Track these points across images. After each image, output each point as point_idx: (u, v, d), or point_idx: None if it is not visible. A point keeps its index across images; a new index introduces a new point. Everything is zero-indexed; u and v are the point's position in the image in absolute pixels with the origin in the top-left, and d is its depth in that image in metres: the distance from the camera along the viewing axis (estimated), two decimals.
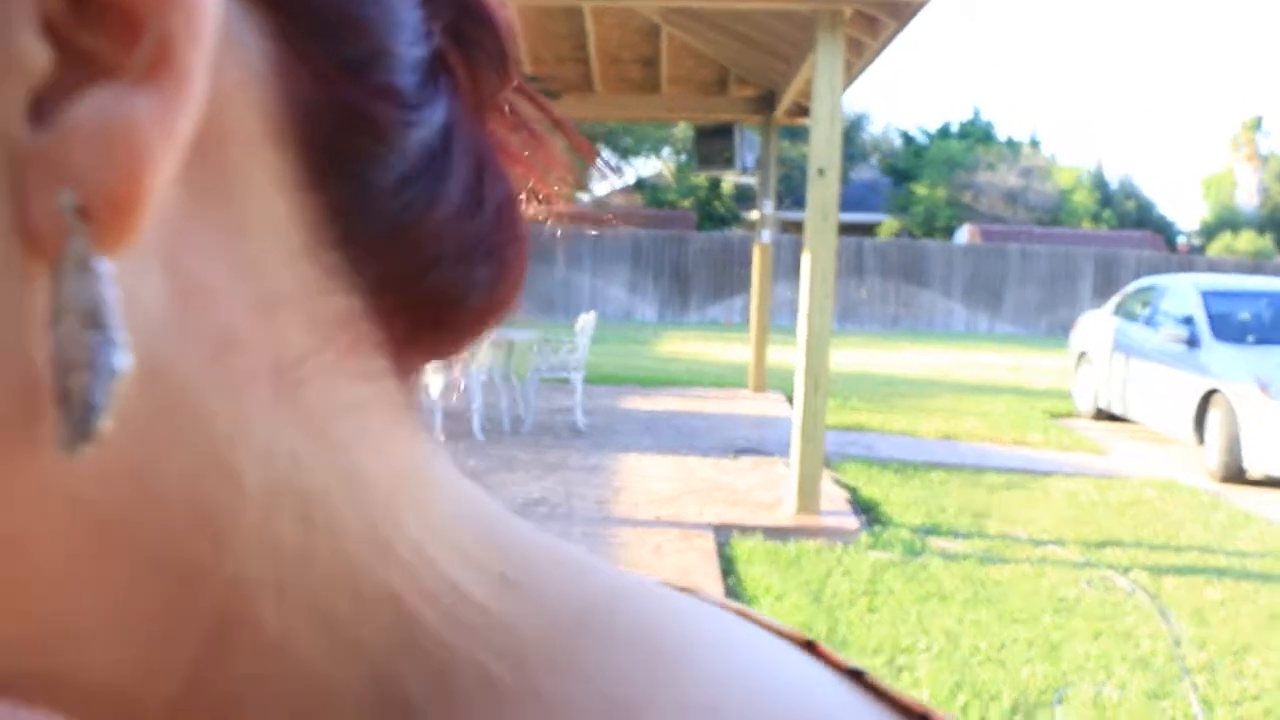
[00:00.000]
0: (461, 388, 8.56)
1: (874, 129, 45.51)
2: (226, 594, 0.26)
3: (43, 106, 0.22)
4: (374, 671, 0.28)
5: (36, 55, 0.22)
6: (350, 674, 0.27)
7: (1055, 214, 38.81)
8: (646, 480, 7.33)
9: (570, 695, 0.28)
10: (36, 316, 0.23)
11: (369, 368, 0.29)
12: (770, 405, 11.05)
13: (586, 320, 9.60)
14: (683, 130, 32.94)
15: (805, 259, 6.37)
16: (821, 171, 6.43)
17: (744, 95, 12.04)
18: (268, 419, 0.26)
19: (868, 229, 37.15)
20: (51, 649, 0.25)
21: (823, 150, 6.42)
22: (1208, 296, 10.26)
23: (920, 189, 37.15)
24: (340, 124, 0.27)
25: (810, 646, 0.33)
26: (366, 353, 0.29)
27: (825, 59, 6.52)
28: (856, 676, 0.32)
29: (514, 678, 0.28)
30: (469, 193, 0.30)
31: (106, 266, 0.22)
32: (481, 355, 8.50)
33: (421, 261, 0.30)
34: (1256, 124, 59.50)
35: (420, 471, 0.30)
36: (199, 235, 0.25)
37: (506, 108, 0.33)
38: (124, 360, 0.22)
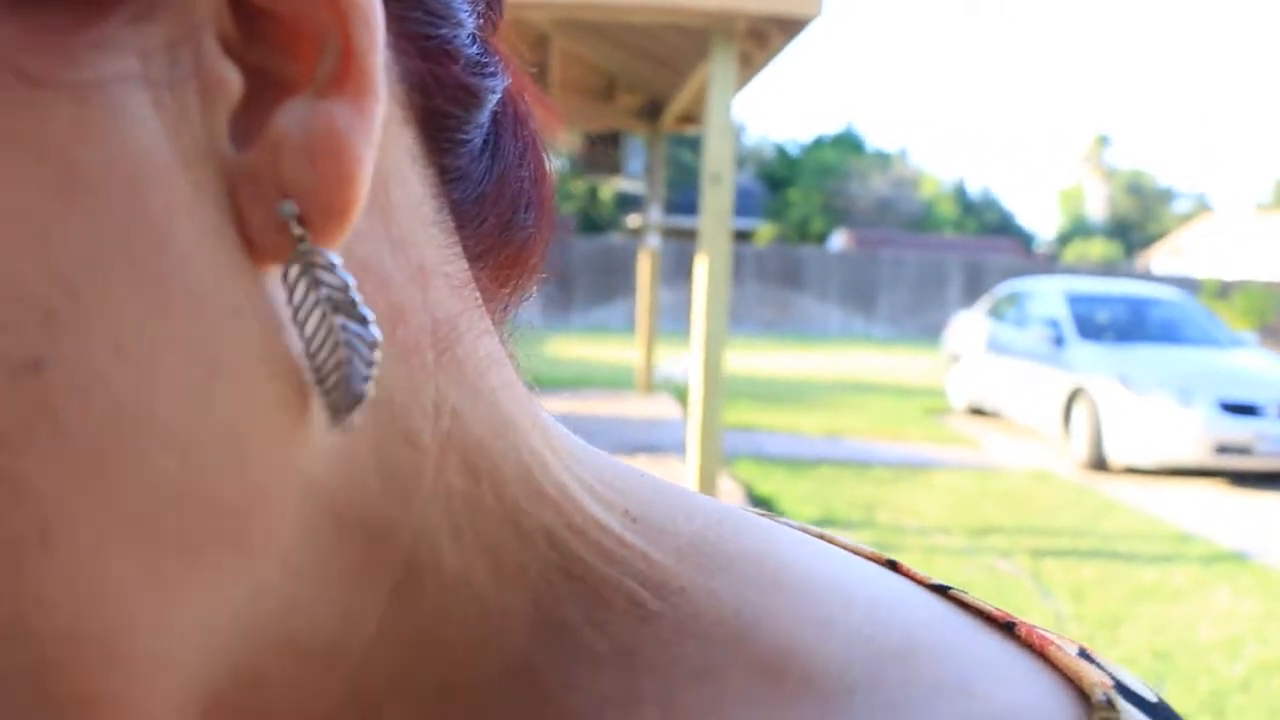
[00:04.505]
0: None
1: (748, 139, 46.34)
2: (413, 544, 0.29)
3: (240, 126, 0.25)
4: (536, 597, 0.31)
5: (231, 78, 0.24)
6: (517, 601, 0.31)
7: (922, 222, 40.08)
8: None
9: (697, 616, 0.31)
10: (279, 313, 0.25)
11: (490, 322, 0.32)
12: (660, 406, 11.25)
13: None
14: (563, 137, 32.96)
15: (701, 262, 6.57)
16: (716, 178, 6.63)
17: (631, 103, 12.23)
18: (433, 381, 0.29)
19: (745, 235, 37.82)
20: (280, 615, 0.28)
21: (717, 158, 6.62)
22: (1072, 299, 10.81)
23: (795, 196, 37.96)
24: (442, 96, 0.29)
25: (893, 565, 0.37)
26: (486, 308, 0.32)
27: (719, 70, 6.72)
28: (942, 591, 0.35)
29: (654, 600, 0.31)
30: (517, 143, 0.33)
31: (334, 259, 0.25)
32: None
33: (504, 214, 0.33)
34: (1103, 141, 62.47)
35: (543, 418, 0.34)
36: (362, 221, 0.27)
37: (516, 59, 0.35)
38: (374, 333, 0.25)
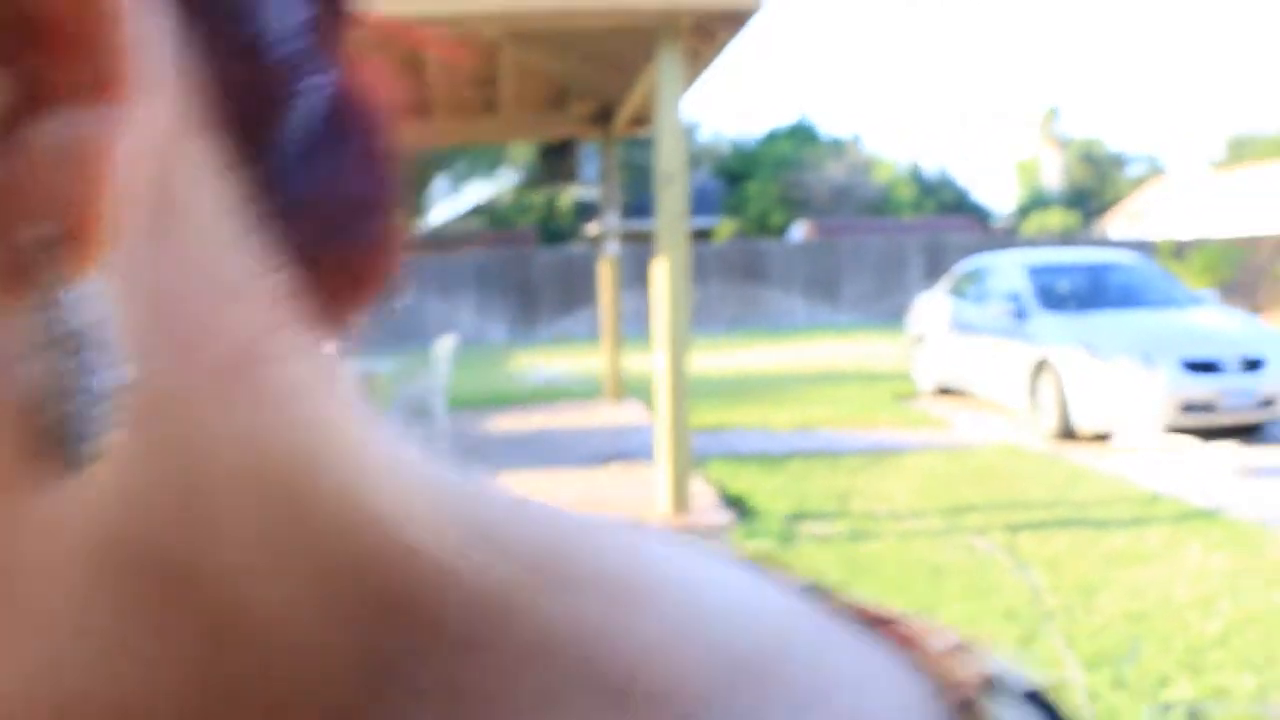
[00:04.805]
0: None
1: (703, 136, 46.46)
2: (219, 585, 0.27)
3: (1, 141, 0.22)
4: (358, 633, 0.29)
5: None
6: (338, 638, 0.29)
7: (880, 207, 40.29)
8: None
9: (541, 640, 0.30)
10: (16, 350, 0.23)
11: (310, 341, 0.30)
12: (629, 413, 11.26)
13: (445, 345, 9.64)
14: (518, 149, 33.02)
15: (660, 264, 6.59)
16: (669, 178, 6.65)
17: (582, 110, 12.24)
18: (238, 407, 0.27)
19: (705, 234, 37.92)
20: (60, 676, 0.25)
21: (669, 157, 6.64)
22: (1032, 271, 10.89)
23: (753, 190, 38.10)
24: (250, 101, 0.27)
25: (770, 566, 0.36)
26: (305, 326, 0.29)
27: (666, 70, 6.75)
28: (813, 591, 0.34)
29: (489, 627, 0.30)
30: (347, 145, 0.31)
31: (81, 290, 0.22)
32: None
33: (331, 222, 0.30)
34: (1054, 113, 63.07)
35: (375, 438, 0.31)
36: (149, 238, 0.25)
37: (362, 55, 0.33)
38: (116, 377, 0.23)
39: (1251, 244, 25.12)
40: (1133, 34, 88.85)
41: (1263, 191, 39.41)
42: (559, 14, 6.65)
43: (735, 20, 6.91)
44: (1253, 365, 9.07)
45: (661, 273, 6.59)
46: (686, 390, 6.65)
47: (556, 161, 12.25)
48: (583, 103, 12.28)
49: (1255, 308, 24.47)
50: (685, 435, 6.62)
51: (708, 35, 7.59)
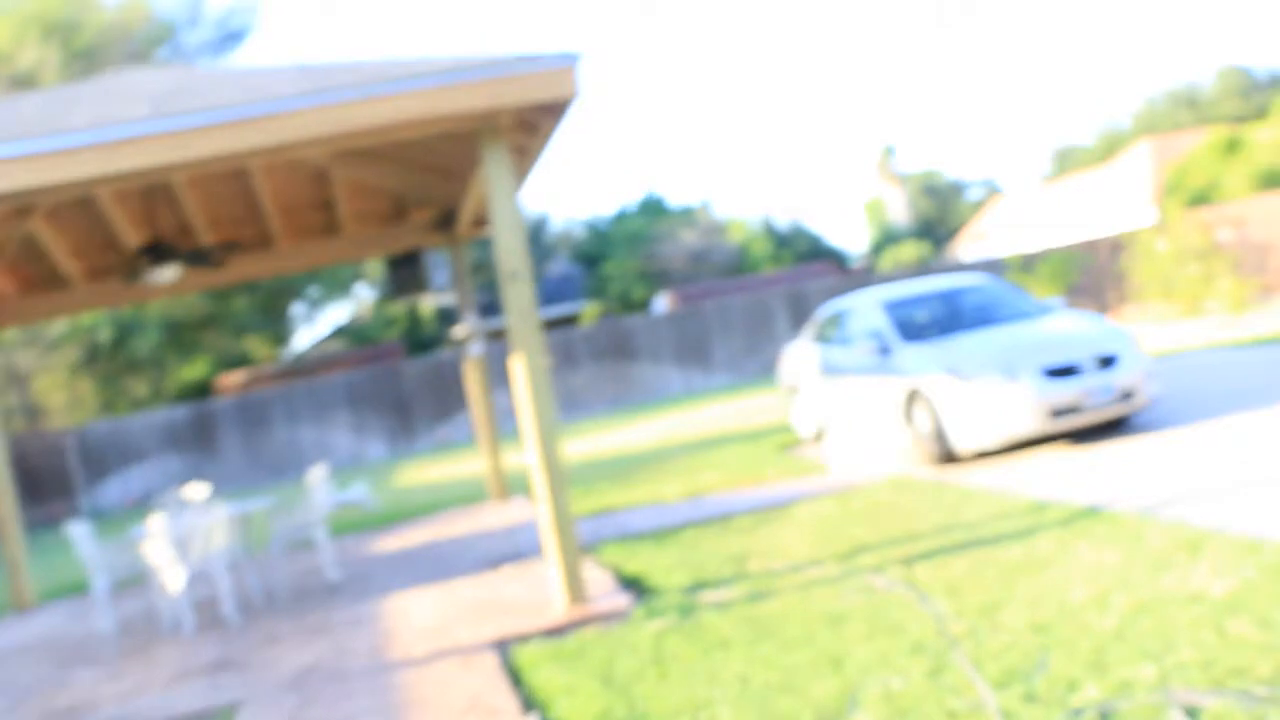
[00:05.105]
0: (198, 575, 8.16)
1: (556, 225, 46.81)
2: None
3: None
4: None
5: None
6: None
7: (739, 266, 40.97)
8: (415, 617, 7.20)
9: None
10: None
11: None
12: (517, 511, 11.09)
13: (317, 474, 9.37)
14: (374, 265, 32.77)
15: (517, 360, 6.51)
16: (514, 275, 6.61)
17: (425, 218, 12.19)
18: None
19: (572, 319, 38.02)
20: None
21: (511, 255, 6.61)
22: (889, 307, 11.10)
23: (612, 269, 38.40)
24: None
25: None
26: None
27: (494, 168, 6.74)
28: None
29: None
30: None
31: None
32: (218, 537, 8.15)
33: None
34: (890, 152, 65.49)
35: None
36: None
37: None
38: None
39: (1090, 248, 26.22)
40: (950, 62, 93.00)
41: (1090, 198, 41.31)
42: (377, 129, 6.58)
43: (554, 111, 6.96)
44: (1107, 362, 9.36)
45: (520, 368, 6.51)
46: (565, 480, 6.55)
47: (404, 273, 12.13)
48: (423, 212, 12.23)
49: (1102, 307, 25.47)
50: (570, 525, 6.50)
51: (531, 129, 7.63)
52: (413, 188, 11.46)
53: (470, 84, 6.41)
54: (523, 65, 6.43)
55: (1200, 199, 31.19)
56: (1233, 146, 33.29)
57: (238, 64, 23.31)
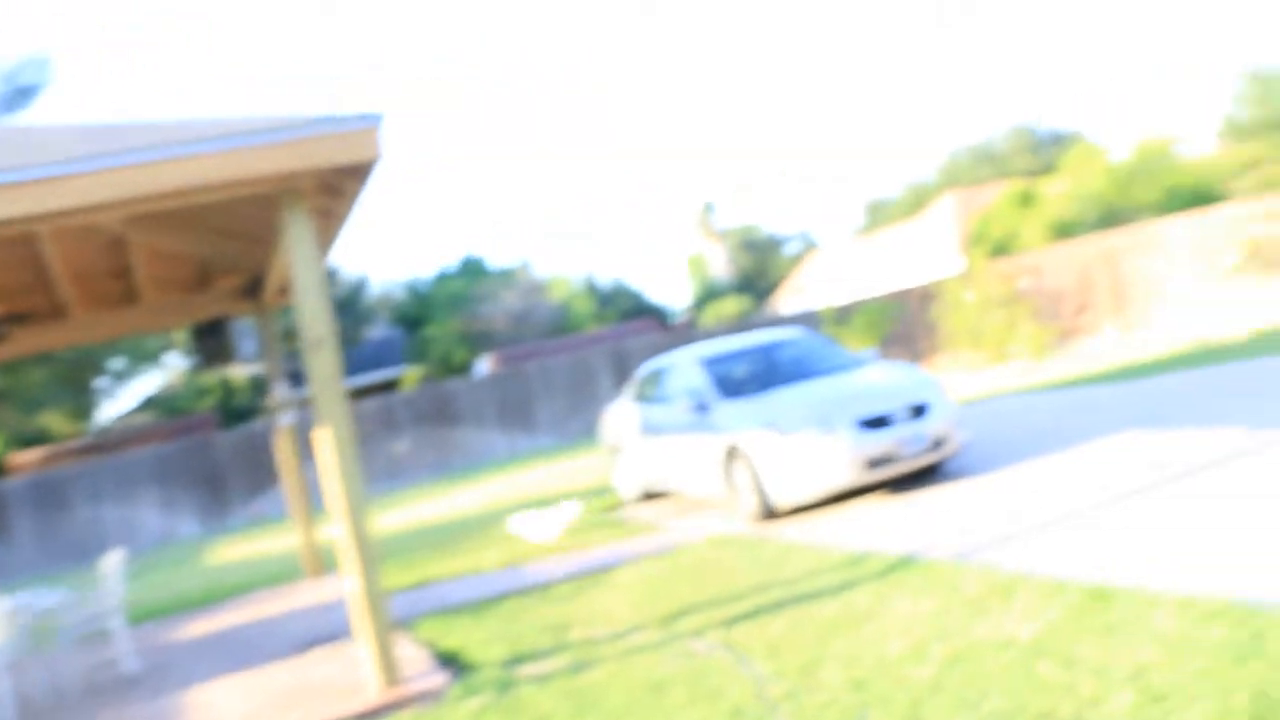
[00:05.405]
0: None
1: (375, 287, 45.96)
2: None
3: None
4: None
5: None
6: None
7: (561, 325, 40.98)
8: (220, 709, 6.75)
9: None
10: None
11: None
12: (331, 588, 10.63)
13: (112, 560, 8.77)
14: (184, 334, 31.40)
15: (322, 433, 6.22)
16: (319, 343, 6.34)
17: (231, 285, 11.71)
18: None
19: (393, 384, 37.25)
20: None
21: (315, 322, 6.34)
22: (706, 364, 11.15)
23: (433, 332, 37.87)
24: None
25: None
26: None
27: (297, 232, 6.48)
28: None
29: None
30: None
31: None
32: None
33: None
34: (709, 208, 67.05)
35: None
36: None
37: None
38: None
39: (902, 298, 27.20)
40: (768, 119, 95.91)
41: (900, 250, 43.02)
42: (173, 193, 6.24)
43: (358, 173, 6.75)
44: (919, 411, 9.60)
45: (325, 440, 6.22)
46: (375, 556, 6.27)
47: (210, 342, 11.62)
48: (229, 279, 11.75)
49: (915, 356, 26.41)
50: (382, 603, 6.21)
51: (335, 191, 7.38)
52: (217, 254, 10.99)
53: (269, 146, 6.16)
54: (324, 126, 6.22)
55: (1001, 249, 32.84)
56: (1026, 199, 35.27)
57: (26, 122, 22.12)
